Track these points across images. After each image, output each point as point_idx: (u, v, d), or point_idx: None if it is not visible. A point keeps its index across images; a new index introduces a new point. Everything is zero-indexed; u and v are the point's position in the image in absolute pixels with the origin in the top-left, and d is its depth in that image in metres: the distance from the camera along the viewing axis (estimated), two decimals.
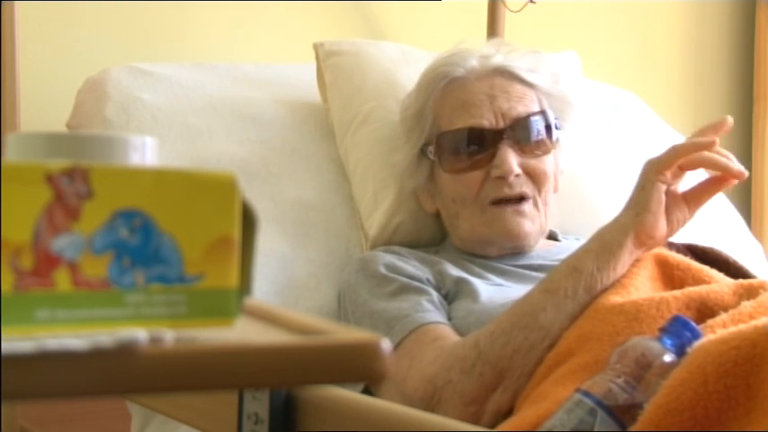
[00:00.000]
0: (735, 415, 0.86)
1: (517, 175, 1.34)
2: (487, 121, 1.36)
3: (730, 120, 1.18)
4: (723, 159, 1.15)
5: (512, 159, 1.33)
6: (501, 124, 1.36)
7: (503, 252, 1.38)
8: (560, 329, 1.12)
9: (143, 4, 1.73)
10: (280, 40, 1.87)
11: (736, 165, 1.16)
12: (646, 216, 1.16)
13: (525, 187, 1.35)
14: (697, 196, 1.20)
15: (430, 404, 1.14)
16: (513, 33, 1.97)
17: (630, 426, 0.89)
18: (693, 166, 1.17)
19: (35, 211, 0.53)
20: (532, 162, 1.36)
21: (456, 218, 1.39)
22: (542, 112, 1.39)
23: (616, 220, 1.18)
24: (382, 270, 1.30)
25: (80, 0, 1.67)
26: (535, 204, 1.36)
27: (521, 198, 1.34)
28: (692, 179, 1.21)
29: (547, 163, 1.38)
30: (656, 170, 1.16)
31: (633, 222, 1.16)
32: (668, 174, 1.17)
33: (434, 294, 1.27)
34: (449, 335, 1.20)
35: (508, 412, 1.11)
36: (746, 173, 1.16)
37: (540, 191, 1.36)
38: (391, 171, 1.46)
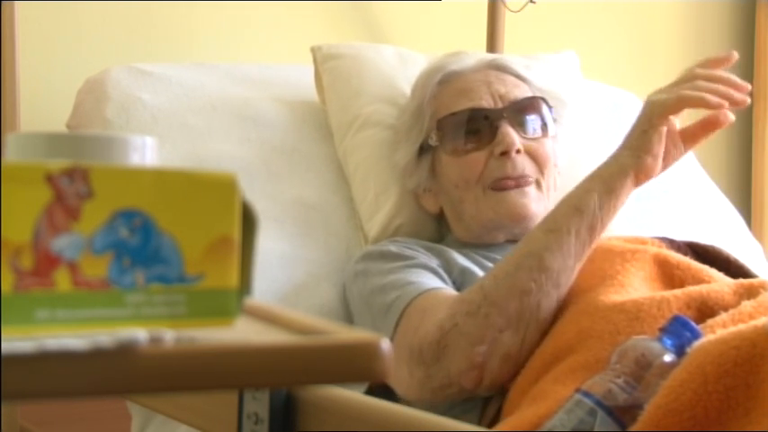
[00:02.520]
0: (734, 415, 0.86)
1: (518, 151, 1.33)
2: (486, 102, 1.37)
3: (736, 55, 1.18)
4: (717, 100, 1.13)
5: (513, 134, 1.34)
6: (500, 105, 1.37)
7: (510, 237, 1.37)
8: (564, 273, 1.14)
9: (143, 4, 1.73)
10: (280, 40, 1.87)
11: (737, 94, 1.14)
12: (646, 158, 1.17)
13: (528, 168, 1.34)
14: (694, 135, 1.20)
15: (437, 350, 1.15)
16: (513, 33, 1.97)
17: (630, 426, 0.89)
18: (693, 106, 1.16)
19: (35, 211, 0.53)
20: (533, 144, 1.36)
21: (460, 204, 1.37)
22: (539, 98, 1.40)
23: (615, 160, 1.19)
24: (393, 248, 1.31)
25: (80, 0, 1.67)
26: (539, 187, 1.35)
27: (523, 178, 1.33)
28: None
29: (547, 145, 1.38)
30: (660, 114, 1.16)
31: (633, 164, 1.17)
32: (672, 118, 1.17)
33: (446, 277, 1.28)
34: None
35: (510, 380, 1.12)
36: (748, 99, 1.15)
37: (542, 173, 1.35)
38: (391, 174, 1.46)
